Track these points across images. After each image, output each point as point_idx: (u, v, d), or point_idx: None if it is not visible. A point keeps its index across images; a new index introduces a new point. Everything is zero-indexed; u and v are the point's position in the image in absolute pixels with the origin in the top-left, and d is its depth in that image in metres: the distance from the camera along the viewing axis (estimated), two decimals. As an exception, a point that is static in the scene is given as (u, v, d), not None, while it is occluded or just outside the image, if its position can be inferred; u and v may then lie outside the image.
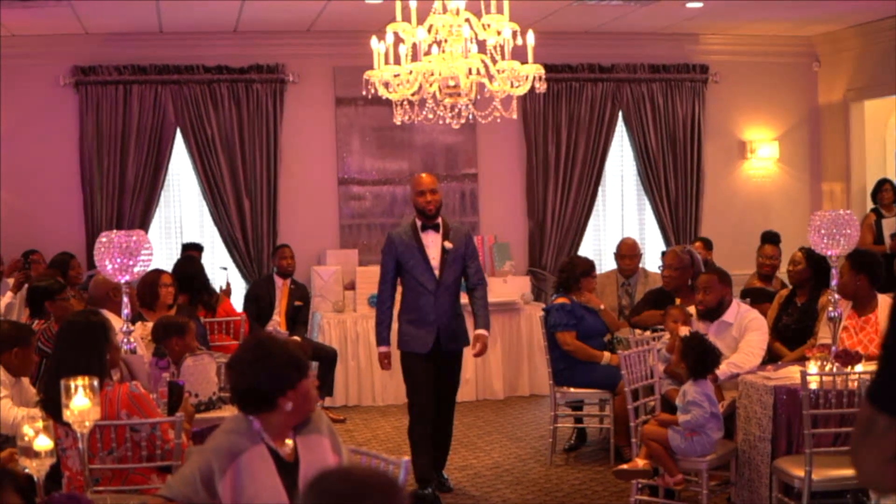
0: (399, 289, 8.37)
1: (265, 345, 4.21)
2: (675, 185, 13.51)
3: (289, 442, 4.20)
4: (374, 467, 2.83)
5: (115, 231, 6.88)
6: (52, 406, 5.08)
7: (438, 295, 8.11)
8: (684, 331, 7.38)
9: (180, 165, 12.66)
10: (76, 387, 4.34)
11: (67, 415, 4.36)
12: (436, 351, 8.13)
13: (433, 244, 8.16)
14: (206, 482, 3.99)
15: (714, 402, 6.87)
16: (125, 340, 6.69)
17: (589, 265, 9.50)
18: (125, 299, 6.91)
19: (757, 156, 13.96)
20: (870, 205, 12.85)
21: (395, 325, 8.29)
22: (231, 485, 4.01)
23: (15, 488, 2.37)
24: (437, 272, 8.12)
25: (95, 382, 4.39)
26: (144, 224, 12.16)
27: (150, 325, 7.86)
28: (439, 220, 8.21)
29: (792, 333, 8.56)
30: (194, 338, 7.24)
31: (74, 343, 5.55)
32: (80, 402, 4.34)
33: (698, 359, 6.88)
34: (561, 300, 9.25)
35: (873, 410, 2.27)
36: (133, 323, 7.34)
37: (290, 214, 12.71)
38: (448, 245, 8.15)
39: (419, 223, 8.20)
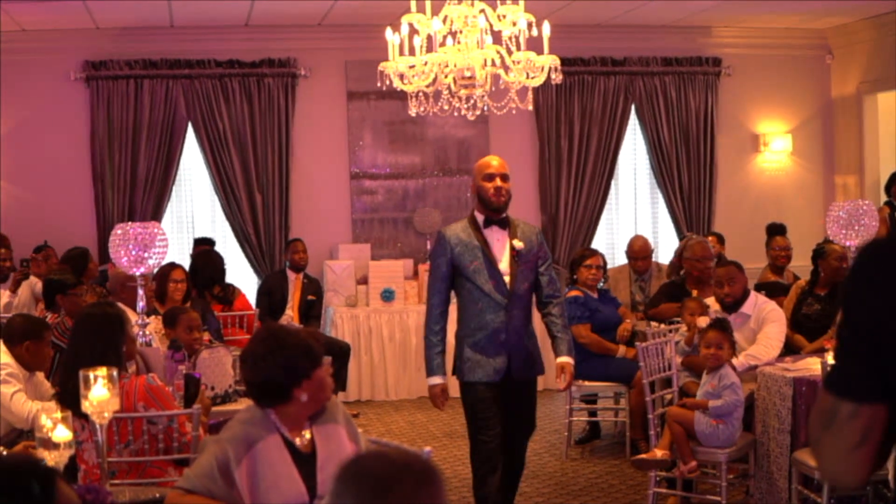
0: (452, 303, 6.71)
1: (278, 336, 4.17)
2: (688, 179, 13.45)
3: (306, 434, 4.16)
4: (410, 451, 2.79)
5: (129, 223, 6.86)
6: (68, 399, 5.05)
7: (510, 308, 6.45)
8: (703, 322, 7.33)
9: (192, 160, 12.62)
10: (95, 377, 4.32)
11: (86, 406, 4.34)
12: (506, 379, 6.49)
13: (499, 244, 6.53)
14: (224, 471, 3.96)
15: (741, 386, 6.86)
16: (140, 333, 6.66)
17: (579, 254, 9.46)
18: (140, 292, 6.88)
19: (770, 149, 13.90)
20: (883, 198, 12.78)
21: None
22: (248, 472, 3.98)
23: (65, 483, 2.34)
24: (507, 278, 6.47)
25: (114, 373, 4.36)
26: (156, 219, 12.08)
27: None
28: (506, 216, 6.61)
29: (814, 323, 8.51)
30: (195, 329, 7.19)
31: (91, 335, 5.51)
32: (99, 392, 4.31)
33: (734, 339, 6.91)
34: (574, 293, 9.19)
35: (834, 399, 2.29)
36: (147, 316, 7.34)
37: (303, 209, 12.67)
38: (519, 245, 6.50)
39: (480, 217, 6.57)
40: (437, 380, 6.49)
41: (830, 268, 8.69)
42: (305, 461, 4.10)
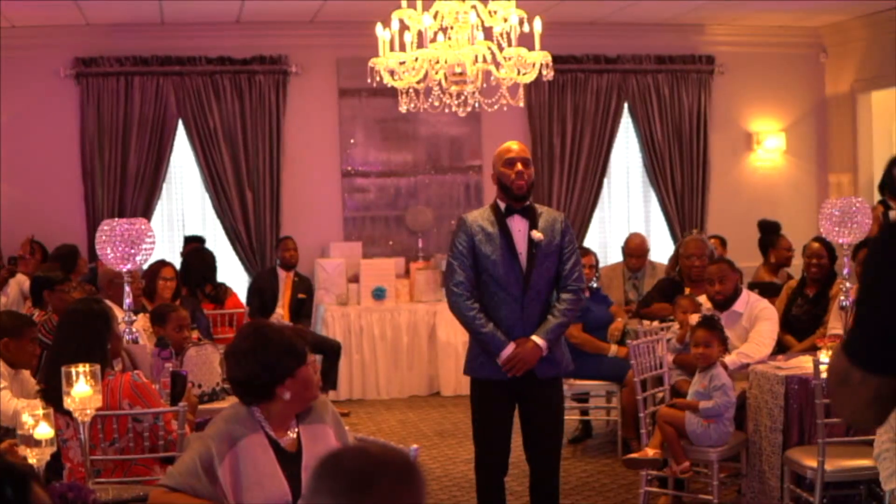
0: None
1: (261, 333, 4.11)
2: (681, 177, 13.40)
3: (292, 434, 4.11)
4: (390, 446, 2.72)
5: (116, 219, 6.79)
6: (53, 395, 5.00)
7: (526, 302, 6.10)
8: (696, 320, 7.28)
9: (182, 157, 12.56)
10: (77, 374, 4.27)
11: (68, 402, 4.29)
12: (521, 379, 6.10)
13: (520, 234, 6.15)
14: (207, 468, 3.91)
15: (732, 388, 6.81)
16: (127, 331, 6.60)
17: None
18: (126, 289, 6.81)
19: (763, 147, 13.85)
20: (877, 197, 12.73)
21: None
22: (230, 469, 3.93)
23: (40, 484, 2.27)
24: (524, 270, 6.11)
25: (97, 369, 4.31)
26: (146, 216, 12.00)
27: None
28: (529, 204, 6.23)
29: (803, 324, 8.47)
30: (185, 328, 7.13)
31: (76, 331, 5.46)
32: (82, 389, 4.26)
33: (725, 337, 6.83)
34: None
35: (849, 364, 2.42)
36: (135, 314, 7.28)
37: (294, 207, 12.61)
38: (537, 235, 6.12)
39: (502, 206, 6.20)
40: (509, 349, 5.99)
41: (806, 263, 8.66)
42: (290, 460, 4.05)
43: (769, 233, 11.24)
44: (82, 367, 4.27)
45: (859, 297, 2.48)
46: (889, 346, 2.35)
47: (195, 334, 7.76)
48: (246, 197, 12.42)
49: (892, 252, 2.38)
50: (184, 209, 12.74)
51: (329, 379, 10.92)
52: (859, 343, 2.42)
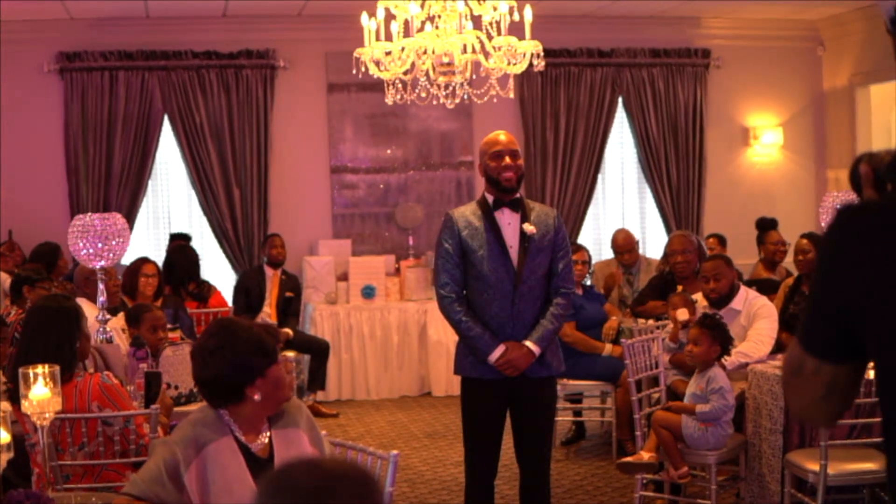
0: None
1: (229, 330, 3.86)
2: (676, 173, 13.22)
3: (263, 438, 3.88)
4: (344, 458, 2.49)
5: (90, 214, 6.57)
6: (17, 396, 4.78)
7: (518, 298, 5.82)
8: (682, 315, 7.06)
9: (168, 153, 12.37)
10: (35, 375, 4.04)
11: (26, 405, 4.07)
12: (513, 379, 5.85)
13: (510, 228, 5.89)
14: (172, 475, 3.68)
15: (731, 391, 6.58)
16: (100, 329, 6.38)
17: None
18: (101, 286, 6.60)
19: (760, 142, 13.69)
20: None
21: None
22: (197, 476, 3.70)
23: None
24: (515, 265, 5.84)
25: (56, 370, 4.07)
26: (132, 213, 11.88)
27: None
28: (519, 197, 5.98)
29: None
30: (160, 329, 6.89)
31: (43, 328, 5.23)
32: (40, 391, 4.03)
33: (726, 338, 6.58)
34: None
35: (802, 352, 2.41)
36: (115, 312, 7.07)
37: (282, 204, 12.42)
38: (530, 228, 5.84)
39: (490, 199, 5.95)
40: (498, 352, 5.74)
41: (795, 259, 8.53)
42: (261, 466, 3.80)
43: (762, 229, 11.08)
44: (41, 368, 4.05)
45: (811, 286, 2.46)
46: (841, 332, 2.34)
47: (178, 334, 7.53)
48: (233, 194, 12.22)
49: (836, 239, 2.36)
50: (170, 206, 12.55)
51: (317, 379, 10.76)
52: (812, 331, 2.42)
